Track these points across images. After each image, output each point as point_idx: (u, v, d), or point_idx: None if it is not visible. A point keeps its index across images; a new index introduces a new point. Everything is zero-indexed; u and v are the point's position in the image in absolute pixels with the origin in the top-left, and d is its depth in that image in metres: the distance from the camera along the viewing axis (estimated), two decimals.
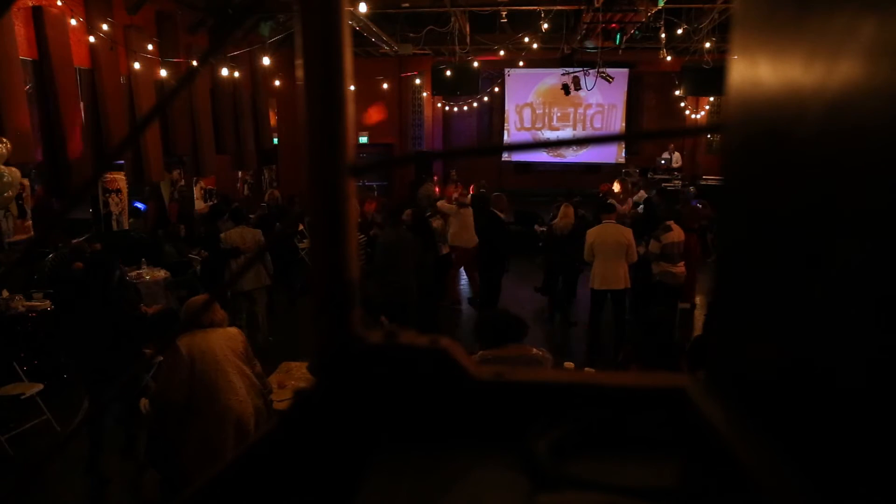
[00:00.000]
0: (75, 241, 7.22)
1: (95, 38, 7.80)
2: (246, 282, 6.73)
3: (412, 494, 0.66)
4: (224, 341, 3.44)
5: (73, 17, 7.42)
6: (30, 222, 6.90)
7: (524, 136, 17.23)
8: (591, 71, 12.90)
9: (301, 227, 6.67)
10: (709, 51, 11.55)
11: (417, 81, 16.02)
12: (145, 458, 3.99)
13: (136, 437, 4.56)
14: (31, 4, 6.85)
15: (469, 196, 8.80)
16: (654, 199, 8.97)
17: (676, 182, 14.13)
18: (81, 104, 7.67)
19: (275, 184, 13.39)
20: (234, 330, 3.63)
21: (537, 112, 17.26)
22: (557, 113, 17.13)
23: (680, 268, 6.72)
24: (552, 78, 15.84)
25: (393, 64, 15.53)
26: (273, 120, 13.92)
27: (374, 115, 15.96)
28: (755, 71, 0.53)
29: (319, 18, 0.62)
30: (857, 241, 0.40)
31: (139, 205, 9.22)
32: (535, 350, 3.47)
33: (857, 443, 0.40)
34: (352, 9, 8.47)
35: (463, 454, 0.70)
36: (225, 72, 10.33)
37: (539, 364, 3.39)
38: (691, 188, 11.06)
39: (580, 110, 16.98)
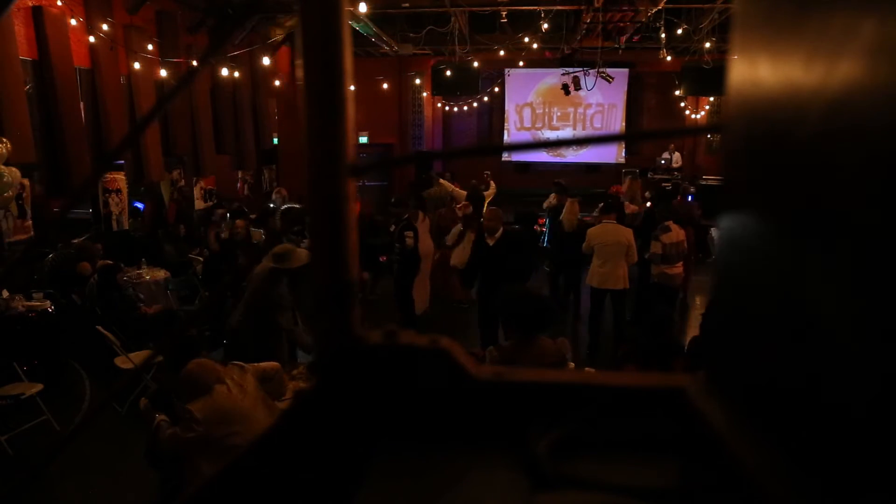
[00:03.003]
0: (76, 240, 7.24)
1: (95, 38, 7.80)
2: None
3: (412, 494, 0.66)
4: (237, 392, 3.29)
5: (73, 17, 7.41)
6: (30, 222, 6.90)
7: (524, 136, 17.22)
8: (591, 71, 12.89)
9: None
10: (709, 51, 11.54)
11: (417, 81, 16.01)
12: (144, 458, 3.98)
13: None
14: (31, 4, 6.85)
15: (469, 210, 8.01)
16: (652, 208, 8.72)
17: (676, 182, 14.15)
18: (81, 104, 7.66)
19: (275, 183, 13.39)
20: (247, 367, 3.46)
21: (537, 112, 17.26)
22: (557, 113, 17.13)
23: (678, 269, 6.73)
24: (552, 78, 15.83)
25: (393, 64, 15.52)
26: (273, 120, 13.92)
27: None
28: (755, 71, 0.53)
29: (319, 18, 0.62)
30: (858, 241, 0.40)
31: (138, 204, 9.23)
32: (557, 342, 3.49)
33: (857, 443, 0.40)
34: (352, 9, 8.46)
35: (463, 454, 0.70)
36: (225, 72, 10.33)
37: (562, 362, 3.39)
38: (687, 184, 11.11)
39: (580, 110, 16.98)
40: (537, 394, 0.72)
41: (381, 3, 9.87)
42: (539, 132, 17.24)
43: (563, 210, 7.85)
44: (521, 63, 14.29)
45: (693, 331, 7.37)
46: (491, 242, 6.12)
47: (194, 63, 9.02)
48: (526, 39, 11.93)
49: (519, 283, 5.95)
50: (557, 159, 17.23)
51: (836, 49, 0.41)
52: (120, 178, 8.59)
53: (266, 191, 13.11)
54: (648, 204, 9.17)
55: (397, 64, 15.60)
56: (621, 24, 10.42)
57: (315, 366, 0.75)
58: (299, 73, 0.64)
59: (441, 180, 11.08)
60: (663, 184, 13.29)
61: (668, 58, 12.71)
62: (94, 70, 7.94)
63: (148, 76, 8.79)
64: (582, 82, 13.02)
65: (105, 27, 7.84)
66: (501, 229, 6.19)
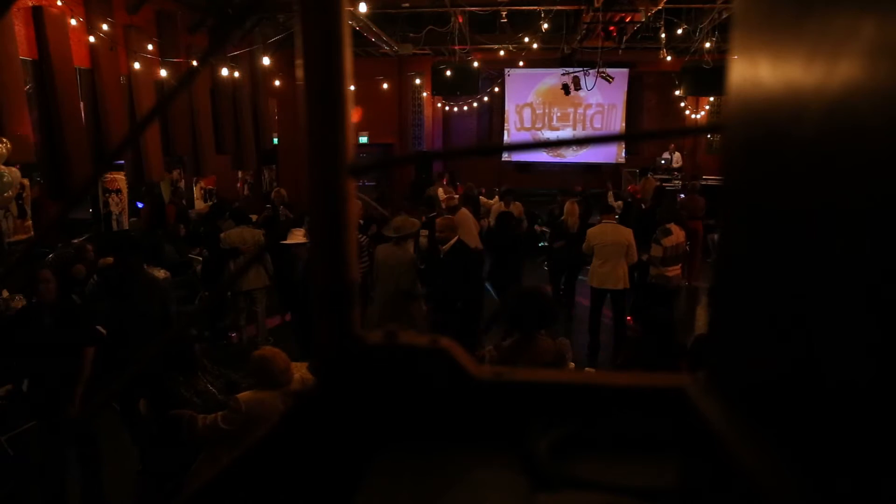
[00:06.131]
0: (76, 240, 7.23)
1: (95, 38, 7.80)
2: (246, 282, 6.74)
3: (413, 494, 0.66)
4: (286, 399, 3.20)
5: (73, 17, 7.41)
6: (30, 222, 6.90)
7: (524, 136, 17.21)
8: (591, 71, 12.88)
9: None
10: (709, 51, 11.54)
11: (417, 81, 16.01)
12: (144, 460, 3.98)
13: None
14: (31, 4, 6.85)
15: (456, 198, 8.58)
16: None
17: (676, 182, 14.14)
18: (81, 104, 7.66)
19: (274, 184, 13.40)
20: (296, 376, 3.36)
21: (537, 112, 17.25)
22: (557, 113, 17.12)
23: (675, 271, 6.74)
24: (552, 78, 15.83)
25: (393, 64, 15.52)
26: (273, 120, 13.91)
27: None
28: (755, 71, 0.53)
29: (319, 18, 0.62)
30: (857, 240, 0.40)
31: (140, 204, 9.24)
32: (557, 342, 3.52)
33: (857, 442, 0.40)
34: (352, 9, 8.46)
35: (463, 454, 0.70)
36: (225, 72, 10.33)
37: (560, 362, 3.40)
38: (695, 182, 11.20)
39: (580, 110, 16.97)
40: (537, 394, 0.72)
41: (380, 3, 9.88)
42: (539, 132, 17.23)
43: (565, 212, 8.08)
44: (521, 63, 14.30)
45: (693, 331, 7.38)
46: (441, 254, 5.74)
47: (194, 63, 9.02)
48: (526, 39, 11.93)
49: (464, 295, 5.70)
50: (557, 159, 17.22)
51: (836, 49, 0.41)
52: (120, 178, 8.59)
53: (266, 191, 13.11)
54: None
55: (397, 64, 15.60)
56: (621, 25, 10.43)
57: (316, 366, 0.75)
58: (299, 73, 0.64)
59: (438, 185, 11.16)
60: (664, 184, 13.30)
61: (668, 58, 12.71)
62: (94, 70, 7.94)
63: (148, 76, 8.79)
64: (582, 82, 13.02)
65: (105, 27, 7.84)
66: (455, 239, 5.70)
